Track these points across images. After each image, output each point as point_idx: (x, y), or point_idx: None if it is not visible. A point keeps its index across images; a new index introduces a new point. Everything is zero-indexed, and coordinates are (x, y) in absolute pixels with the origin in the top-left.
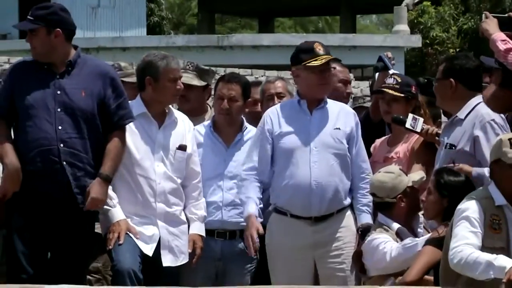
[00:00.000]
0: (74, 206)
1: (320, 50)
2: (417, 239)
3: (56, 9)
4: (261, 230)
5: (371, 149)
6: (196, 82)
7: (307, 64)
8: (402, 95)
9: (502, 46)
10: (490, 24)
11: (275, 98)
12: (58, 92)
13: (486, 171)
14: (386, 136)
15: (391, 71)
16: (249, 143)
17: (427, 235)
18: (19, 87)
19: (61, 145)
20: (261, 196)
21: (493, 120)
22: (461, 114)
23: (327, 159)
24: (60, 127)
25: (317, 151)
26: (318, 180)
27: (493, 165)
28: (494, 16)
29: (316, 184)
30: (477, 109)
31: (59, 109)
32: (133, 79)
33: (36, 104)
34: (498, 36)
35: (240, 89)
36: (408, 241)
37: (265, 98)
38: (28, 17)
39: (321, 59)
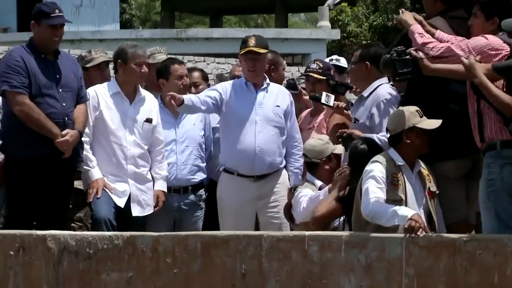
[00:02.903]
0: (64, 165)
1: (251, 42)
2: (319, 191)
3: None
4: None
5: (298, 119)
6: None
7: (240, 53)
8: (324, 77)
9: (419, 40)
10: (408, 16)
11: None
12: (57, 76)
13: (375, 136)
14: (310, 109)
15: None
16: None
17: (325, 188)
18: (30, 69)
19: (66, 118)
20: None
21: (385, 99)
22: (365, 93)
23: (268, 130)
24: (64, 104)
25: (261, 123)
26: (260, 146)
27: (392, 136)
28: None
29: (259, 149)
30: (377, 89)
31: (60, 90)
32: (93, 63)
33: (47, 84)
34: (416, 29)
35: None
36: (313, 193)
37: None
38: (60, 13)
39: (245, 49)
